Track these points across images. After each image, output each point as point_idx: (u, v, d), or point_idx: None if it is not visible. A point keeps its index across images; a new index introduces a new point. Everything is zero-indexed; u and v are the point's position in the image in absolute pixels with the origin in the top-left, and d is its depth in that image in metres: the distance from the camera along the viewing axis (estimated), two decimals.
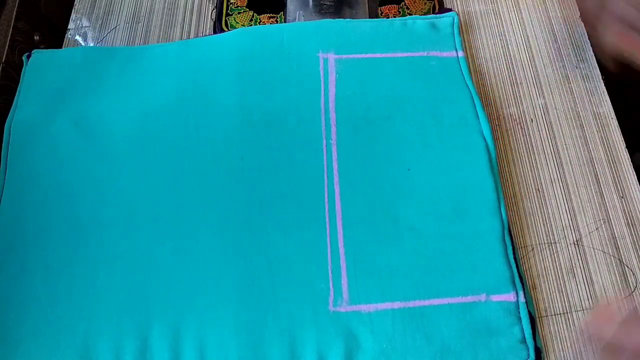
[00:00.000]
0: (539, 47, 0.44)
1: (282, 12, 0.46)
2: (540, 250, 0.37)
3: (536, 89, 0.43)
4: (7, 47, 0.44)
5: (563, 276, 0.36)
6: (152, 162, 0.39)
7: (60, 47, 0.46)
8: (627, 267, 0.36)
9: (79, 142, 0.39)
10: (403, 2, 0.46)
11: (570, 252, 0.37)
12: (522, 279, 0.35)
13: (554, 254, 0.37)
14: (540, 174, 0.39)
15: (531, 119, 0.41)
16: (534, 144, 0.40)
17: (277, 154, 0.38)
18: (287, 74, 0.41)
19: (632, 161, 0.40)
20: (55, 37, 0.49)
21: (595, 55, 0.43)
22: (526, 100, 0.42)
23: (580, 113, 0.41)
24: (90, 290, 0.35)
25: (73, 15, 0.48)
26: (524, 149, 0.40)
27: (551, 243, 0.37)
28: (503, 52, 0.44)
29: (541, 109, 0.42)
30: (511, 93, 0.43)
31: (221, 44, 0.43)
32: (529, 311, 0.34)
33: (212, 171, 0.38)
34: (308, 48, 0.42)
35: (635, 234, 0.37)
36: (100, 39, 0.47)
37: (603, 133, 0.41)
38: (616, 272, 0.36)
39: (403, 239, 0.36)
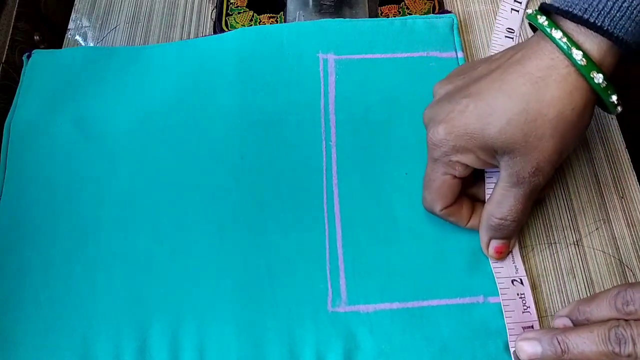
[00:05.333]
0: None
1: (282, 12, 0.46)
2: (541, 251, 0.37)
3: None
4: (7, 47, 0.44)
5: (563, 276, 0.36)
6: (151, 162, 0.39)
7: (60, 47, 0.46)
8: (627, 267, 0.36)
9: (78, 142, 0.39)
10: (403, 2, 0.46)
11: (570, 252, 0.37)
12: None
13: (554, 254, 0.37)
14: None
15: None
16: None
17: (276, 155, 0.39)
18: (287, 74, 0.41)
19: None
20: (55, 37, 0.49)
21: None
22: None
23: None
24: (89, 290, 0.35)
25: (73, 15, 0.48)
26: None
27: (551, 243, 0.37)
28: None
29: None
30: None
31: (221, 44, 0.43)
32: None
33: (211, 171, 0.38)
34: (308, 48, 0.42)
35: (635, 234, 0.37)
36: (100, 39, 0.47)
37: (603, 133, 0.41)
38: (616, 273, 0.36)
39: (401, 240, 0.36)
